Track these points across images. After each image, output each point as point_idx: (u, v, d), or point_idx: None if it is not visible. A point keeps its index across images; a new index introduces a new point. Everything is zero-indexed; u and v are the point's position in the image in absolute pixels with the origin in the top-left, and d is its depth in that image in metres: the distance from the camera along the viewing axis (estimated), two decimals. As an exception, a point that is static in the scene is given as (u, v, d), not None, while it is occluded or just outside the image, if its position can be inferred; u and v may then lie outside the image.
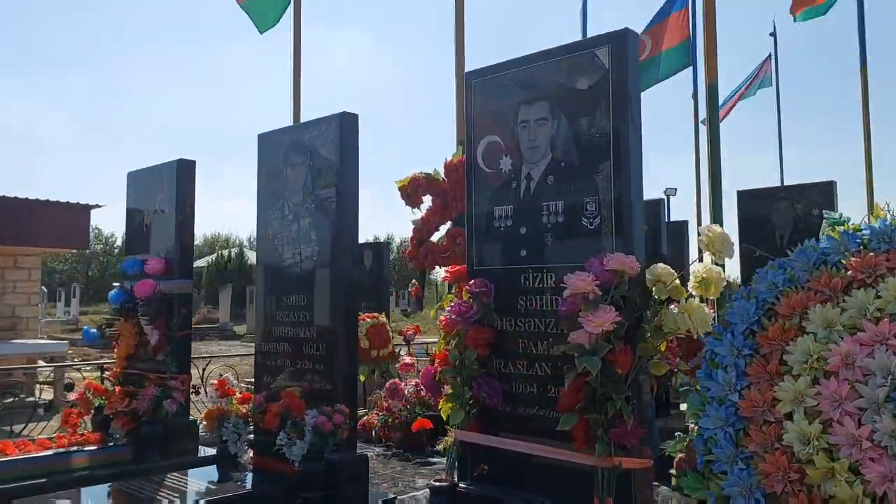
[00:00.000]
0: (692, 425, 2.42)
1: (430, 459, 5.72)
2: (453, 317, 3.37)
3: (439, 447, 5.80)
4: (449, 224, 5.27)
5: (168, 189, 5.46)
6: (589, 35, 8.45)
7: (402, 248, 40.69)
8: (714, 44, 5.87)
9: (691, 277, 2.93)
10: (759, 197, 6.82)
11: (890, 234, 1.93)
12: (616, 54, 3.09)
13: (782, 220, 6.63)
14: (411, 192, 5.22)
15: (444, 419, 3.59)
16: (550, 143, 3.31)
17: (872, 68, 6.69)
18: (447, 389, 3.52)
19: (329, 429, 3.99)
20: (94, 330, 9.73)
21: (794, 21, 8.59)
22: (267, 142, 4.86)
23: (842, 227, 2.08)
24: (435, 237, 5.22)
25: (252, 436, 4.52)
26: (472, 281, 3.49)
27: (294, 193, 4.60)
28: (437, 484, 3.55)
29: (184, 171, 5.41)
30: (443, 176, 5.22)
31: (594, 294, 2.90)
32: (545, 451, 3.16)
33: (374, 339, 8.01)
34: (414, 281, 7.28)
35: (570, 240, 3.23)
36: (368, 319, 7.97)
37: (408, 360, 7.31)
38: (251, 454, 4.55)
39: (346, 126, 4.37)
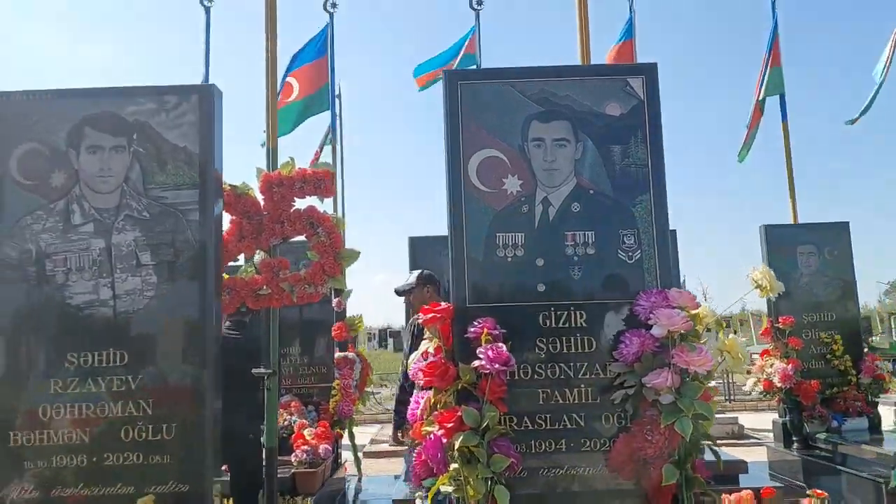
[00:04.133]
0: None
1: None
2: (496, 366, 2.66)
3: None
4: (261, 254, 4.04)
5: None
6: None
7: None
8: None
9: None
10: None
11: None
12: (649, 86, 3.04)
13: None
14: (199, 208, 3.79)
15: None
16: (574, 168, 3.00)
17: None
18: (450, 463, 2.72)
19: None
20: None
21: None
22: (25, 104, 2.99)
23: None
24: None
25: None
26: (483, 321, 2.83)
27: (99, 193, 2.94)
28: None
29: None
30: (258, 192, 4.00)
31: (685, 330, 2.73)
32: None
33: None
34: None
35: (604, 274, 2.95)
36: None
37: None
38: None
39: (213, 104, 3.05)
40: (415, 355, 2.96)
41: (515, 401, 2.85)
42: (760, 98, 8.79)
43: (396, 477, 7.33)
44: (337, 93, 14.62)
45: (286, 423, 6.52)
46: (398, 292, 4.78)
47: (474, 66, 9.14)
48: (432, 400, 2.90)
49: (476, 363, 2.70)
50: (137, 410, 2.82)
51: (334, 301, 4.93)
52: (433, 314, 2.89)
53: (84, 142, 2.95)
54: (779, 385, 6.43)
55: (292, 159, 4.00)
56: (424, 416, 2.94)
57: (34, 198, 2.92)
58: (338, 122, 13.24)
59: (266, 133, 4.17)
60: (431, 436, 2.72)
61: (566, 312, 2.93)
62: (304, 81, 8.69)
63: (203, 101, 3.00)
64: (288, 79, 8.63)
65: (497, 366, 2.67)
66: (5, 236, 2.88)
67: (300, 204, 4.07)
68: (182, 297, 2.90)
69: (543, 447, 2.87)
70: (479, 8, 9.22)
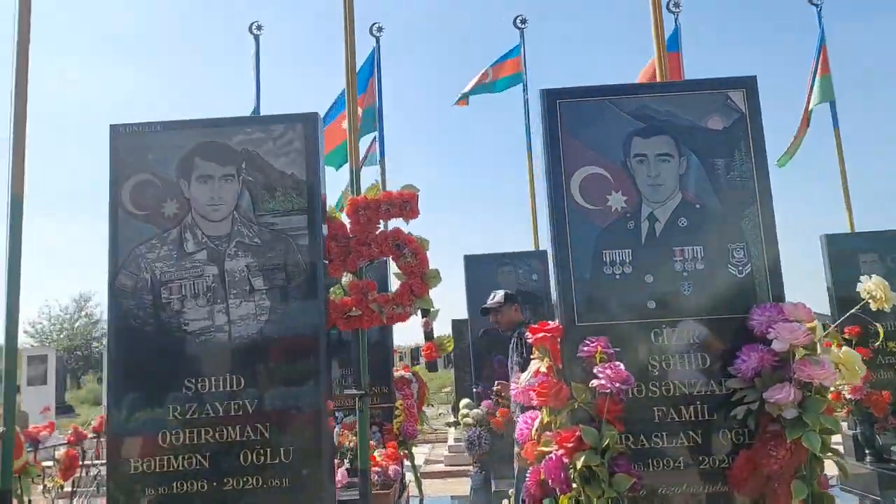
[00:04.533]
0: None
1: None
2: (616, 385, 2.64)
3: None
4: (348, 276, 4.09)
5: None
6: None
7: None
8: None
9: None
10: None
11: None
12: (751, 98, 3.03)
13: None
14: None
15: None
16: (679, 182, 2.99)
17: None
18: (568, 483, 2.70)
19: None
20: None
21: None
22: (136, 136, 3.07)
23: None
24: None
25: None
26: (596, 340, 2.82)
27: (211, 221, 3.00)
28: None
29: None
30: (344, 215, 4.05)
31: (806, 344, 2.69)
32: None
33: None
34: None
35: (715, 289, 2.93)
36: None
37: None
38: None
39: (317, 131, 3.11)
40: (526, 375, 2.95)
41: (631, 419, 2.83)
42: (810, 108, 8.74)
43: (452, 498, 7.32)
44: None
45: (351, 444, 6.53)
46: (486, 310, 4.79)
47: (521, 85, 9.22)
48: (545, 420, 2.89)
49: (595, 382, 2.68)
50: (255, 434, 2.85)
51: (422, 321, 4.95)
52: (543, 333, 2.89)
53: (194, 172, 3.01)
54: (848, 397, 6.30)
55: (377, 182, 4.04)
56: (537, 436, 2.93)
57: (148, 227, 2.98)
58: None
59: (349, 157, 4.22)
60: (553, 455, 2.71)
61: (676, 329, 2.91)
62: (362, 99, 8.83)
63: (308, 128, 3.06)
64: None
65: (618, 384, 2.66)
66: (121, 266, 2.94)
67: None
68: (295, 319, 2.94)
69: (661, 465, 2.84)
70: (522, 27, 9.29)
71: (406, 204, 3.96)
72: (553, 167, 3.03)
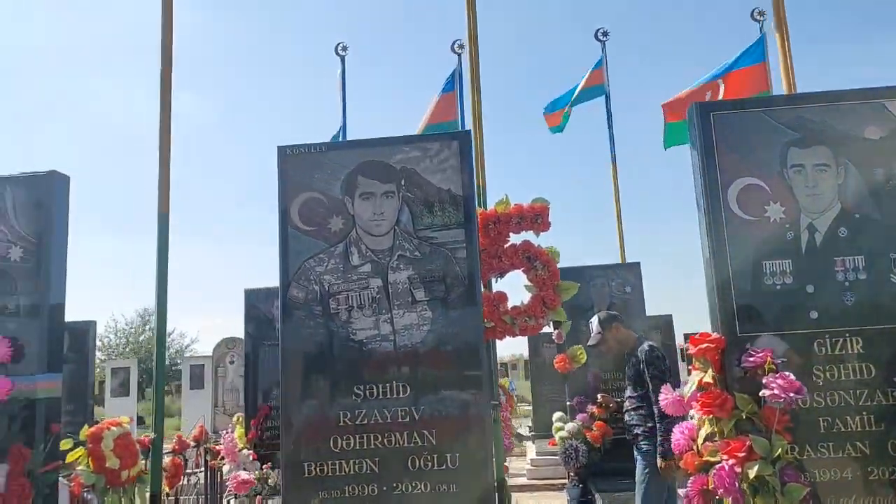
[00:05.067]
0: None
1: None
2: (790, 395, 2.66)
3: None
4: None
5: (20, 214, 3.17)
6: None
7: None
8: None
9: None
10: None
11: None
12: (907, 108, 3.03)
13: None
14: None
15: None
16: (838, 192, 3.00)
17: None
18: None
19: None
20: None
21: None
22: (302, 157, 3.22)
23: None
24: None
25: None
26: (763, 350, 2.84)
27: (374, 235, 3.12)
28: None
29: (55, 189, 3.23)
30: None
31: (984, 355, 2.66)
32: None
33: (123, 455, 5.86)
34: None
35: (878, 299, 2.92)
36: (114, 428, 5.75)
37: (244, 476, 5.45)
38: None
39: (470, 149, 3.21)
40: (689, 386, 2.98)
41: (796, 429, 2.83)
42: None
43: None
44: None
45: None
46: (592, 346, 4.72)
47: (604, 96, 9.27)
48: (707, 430, 2.91)
49: (766, 392, 2.70)
50: (422, 440, 2.95)
51: (554, 333, 5.02)
52: (707, 343, 2.92)
53: (357, 189, 3.15)
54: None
55: (507, 196, 4.14)
56: (697, 447, 2.95)
57: (316, 242, 3.13)
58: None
59: (476, 176, 4.33)
60: (724, 465, 2.73)
61: (841, 339, 2.91)
62: (435, 113, 8.90)
63: (462, 146, 3.17)
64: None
65: (791, 395, 2.67)
66: (292, 278, 3.09)
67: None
68: (456, 330, 3.04)
69: (828, 476, 2.83)
70: (604, 39, 9.35)
71: (538, 217, 4.05)
72: (709, 179, 3.06)
